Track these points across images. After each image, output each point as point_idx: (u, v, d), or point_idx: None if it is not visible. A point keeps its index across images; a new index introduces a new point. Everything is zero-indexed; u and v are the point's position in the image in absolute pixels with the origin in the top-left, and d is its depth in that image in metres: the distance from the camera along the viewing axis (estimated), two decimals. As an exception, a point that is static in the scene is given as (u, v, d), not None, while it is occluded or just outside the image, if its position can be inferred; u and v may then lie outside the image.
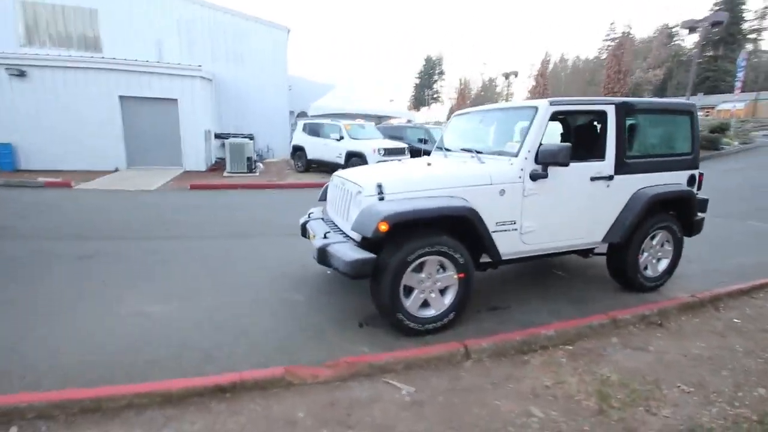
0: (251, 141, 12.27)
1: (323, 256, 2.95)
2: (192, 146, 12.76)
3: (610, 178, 3.48)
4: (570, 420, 2.04)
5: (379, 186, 2.91)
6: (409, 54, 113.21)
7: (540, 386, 2.32)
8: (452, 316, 2.97)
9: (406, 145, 10.85)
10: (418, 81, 61.14)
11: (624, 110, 3.46)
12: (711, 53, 50.13)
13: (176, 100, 12.47)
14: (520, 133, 3.40)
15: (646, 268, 3.78)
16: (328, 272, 4.02)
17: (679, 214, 3.84)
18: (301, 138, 12.14)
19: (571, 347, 2.76)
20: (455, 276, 2.94)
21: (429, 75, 60.42)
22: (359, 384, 2.30)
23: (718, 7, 48.27)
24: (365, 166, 4.23)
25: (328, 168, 12.11)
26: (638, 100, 3.59)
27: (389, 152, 10.26)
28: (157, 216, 6.84)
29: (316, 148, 11.61)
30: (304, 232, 3.78)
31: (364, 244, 2.94)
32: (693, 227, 3.93)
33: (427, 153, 11.57)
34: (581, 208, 3.45)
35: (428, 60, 59.76)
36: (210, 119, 14.12)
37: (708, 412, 2.10)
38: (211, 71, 14.57)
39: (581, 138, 3.82)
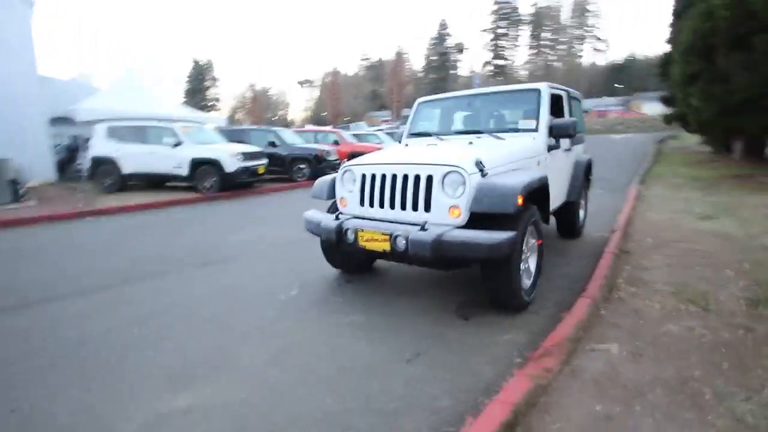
0: (9, 159, 8.27)
1: (439, 248, 2.53)
2: None
3: (569, 150, 4.36)
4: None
5: (479, 162, 2.74)
6: (174, 57, 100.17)
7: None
8: (537, 281, 3.11)
9: (261, 149, 9.77)
10: (187, 86, 54.50)
11: (568, 95, 4.39)
12: (435, 75, 65.92)
13: None
14: (524, 113, 3.82)
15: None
16: (293, 292, 3.39)
17: (586, 175, 5.15)
18: (107, 147, 9.03)
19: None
20: (536, 243, 3.09)
21: (199, 80, 54.81)
22: (580, 360, 2.16)
23: (435, 41, 63.93)
24: (389, 149, 3.76)
25: (154, 183, 9.54)
26: (569, 88, 4.61)
27: (249, 157, 9.02)
28: None
29: (138, 159, 8.91)
30: (341, 237, 3.04)
31: (472, 225, 2.70)
32: (590, 184, 5.36)
33: (280, 157, 10.79)
34: (562, 175, 4.19)
35: (197, 64, 54.10)
36: None
37: None
38: None
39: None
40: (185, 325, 2.88)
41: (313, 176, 10.86)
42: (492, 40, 67.12)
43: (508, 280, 2.65)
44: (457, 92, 4.34)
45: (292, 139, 11.32)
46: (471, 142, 3.53)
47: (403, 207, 2.92)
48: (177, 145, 8.71)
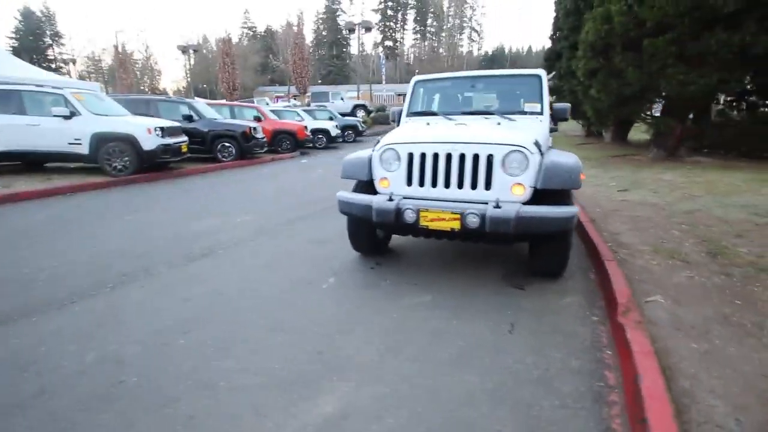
0: None
1: (521, 224, 2.67)
2: None
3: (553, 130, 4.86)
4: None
5: (537, 143, 2.92)
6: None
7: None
8: (564, 249, 3.50)
9: (179, 124, 8.45)
10: (15, 44, 42.73)
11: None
12: (325, 52, 64.31)
13: None
14: (527, 97, 4.11)
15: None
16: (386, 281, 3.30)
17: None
18: (-39, 117, 6.74)
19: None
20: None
21: (34, 36, 43.54)
22: (647, 311, 2.56)
23: (325, 16, 61.93)
24: (412, 127, 3.63)
25: (33, 164, 7.53)
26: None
27: (168, 133, 7.75)
28: None
29: (14, 133, 6.87)
30: (399, 218, 2.94)
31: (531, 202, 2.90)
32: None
33: (200, 133, 9.44)
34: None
35: (27, 15, 42.62)
36: None
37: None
38: None
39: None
40: (241, 327, 2.50)
41: (240, 155, 9.91)
42: (381, 21, 68.12)
43: (566, 250, 2.95)
44: (456, 73, 4.45)
45: (211, 114, 10.04)
46: (499, 123, 3.70)
47: (460, 186, 2.97)
48: (71, 116, 6.98)
